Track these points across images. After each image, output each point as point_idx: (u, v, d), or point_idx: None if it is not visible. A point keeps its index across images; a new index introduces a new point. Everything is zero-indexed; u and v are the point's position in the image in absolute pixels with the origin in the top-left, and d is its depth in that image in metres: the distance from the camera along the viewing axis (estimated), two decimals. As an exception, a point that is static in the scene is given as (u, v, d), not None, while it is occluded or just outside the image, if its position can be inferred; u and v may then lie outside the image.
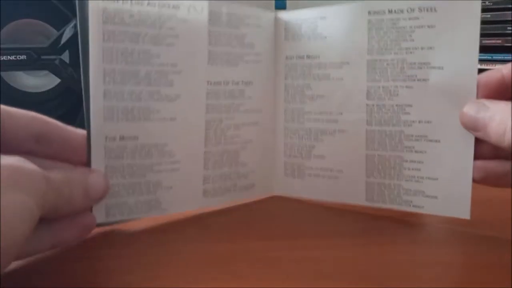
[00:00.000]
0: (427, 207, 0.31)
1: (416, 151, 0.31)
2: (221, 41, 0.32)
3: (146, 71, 0.29)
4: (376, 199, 0.33)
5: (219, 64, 0.32)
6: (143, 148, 0.30)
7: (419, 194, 0.31)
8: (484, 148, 0.29)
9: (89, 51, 0.27)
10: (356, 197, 0.34)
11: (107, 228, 0.30)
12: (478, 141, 0.29)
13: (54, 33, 1.19)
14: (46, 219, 0.23)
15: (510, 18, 1.30)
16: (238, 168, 0.35)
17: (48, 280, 0.24)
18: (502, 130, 0.25)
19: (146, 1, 0.28)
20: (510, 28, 1.31)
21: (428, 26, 0.29)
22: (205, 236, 0.30)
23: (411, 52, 0.30)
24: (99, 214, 0.29)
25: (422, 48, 0.30)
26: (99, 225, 0.29)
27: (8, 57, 1.06)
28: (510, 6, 1.28)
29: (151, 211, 0.31)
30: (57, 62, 1.10)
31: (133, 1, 0.28)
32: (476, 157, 0.29)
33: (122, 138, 0.29)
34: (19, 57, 1.07)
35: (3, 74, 1.17)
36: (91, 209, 0.28)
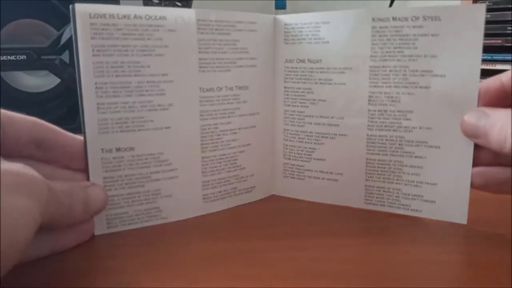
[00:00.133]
0: (425, 211, 0.32)
1: (416, 157, 0.31)
2: (212, 48, 0.32)
3: (138, 82, 0.29)
4: (375, 202, 0.33)
5: (211, 70, 0.32)
6: (140, 158, 0.30)
7: (417, 198, 0.32)
8: (485, 155, 0.29)
9: (80, 66, 0.27)
10: (355, 200, 0.34)
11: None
12: (479, 148, 0.29)
13: (54, 33, 1.19)
14: (46, 227, 0.23)
15: (510, 18, 1.30)
16: (237, 172, 0.35)
17: (48, 280, 0.24)
18: (503, 137, 0.25)
19: (133, 14, 0.28)
20: (510, 28, 1.31)
21: (432, 35, 0.30)
22: (205, 236, 0.30)
23: (414, 60, 0.30)
24: (100, 225, 0.29)
25: (425, 56, 0.30)
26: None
27: (8, 57, 1.07)
28: (510, 6, 1.28)
29: (152, 220, 0.31)
30: (57, 62, 1.10)
31: (120, 15, 0.28)
32: (477, 163, 0.29)
33: (118, 149, 0.29)
34: (19, 57, 1.07)
35: (3, 74, 1.18)
36: None
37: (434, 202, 0.31)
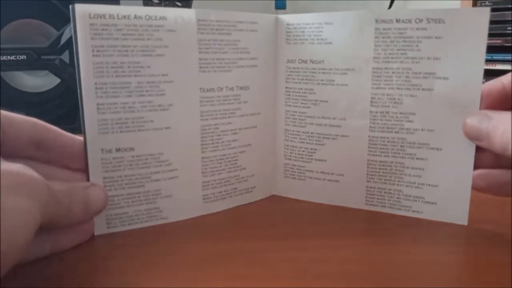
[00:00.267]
0: (426, 213, 0.32)
1: (417, 158, 0.31)
2: (212, 48, 0.31)
3: (138, 83, 0.29)
4: (376, 204, 0.33)
5: (211, 71, 0.32)
6: (140, 158, 0.30)
7: (418, 200, 0.32)
8: (487, 157, 0.29)
9: (80, 67, 0.27)
10: (356, 201, 0.34)
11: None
12: (480, 150, 0.29)
13: (54, 33, 1.19)
14: (46, 227, 0.23)
15: (510, 18, 1.30)
16: (237, 172, 0.35)
17: (48, 280, 0.24)
18: (505, 139, 0.25)
19: (133, 14, 0.28)
20: (510, 28, 1.31)
21: (435, 37, 0.30)
22: (205, 236, 0.30)
23: (417, 62, 0.30)
24: (100, 225, 0.29)
25: (428, 58, 0.30)
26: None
27: (8, 57, 1.07)
28: (510, 6, 1.28)
29: (152, 220, 0.31)
30: (57, 62, 1.10)
31: (120, 15, 0.28)
32: (479, 166, 0.29)
33: (118, 149, 0.29)
34: (19, 57, 1.07)
35: (3, 74, 1.18)
36: None
37: (435, 203, 0.31)
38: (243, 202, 0.35)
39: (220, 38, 0.32)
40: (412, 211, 0.32)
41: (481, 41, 0.28)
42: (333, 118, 0.34)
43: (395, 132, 0.32)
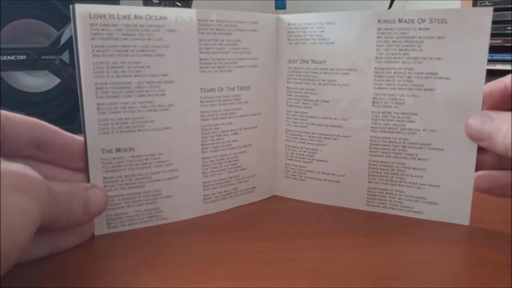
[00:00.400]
0: (427, 213, 0.32)
1: (419, 159, 0.31)
2: (212, 48, 0.31)
3: (138, 83, 0.29)
4: (377, 204, 0.33)
5: (212, 71, 0.32)
6: (140, 158, 0.30)
7: (420, 201, 0.32)
8: (489, 159, 0.29)
9: (80, 67, 0.27)
10: (357, 202, 0.34)
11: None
12: (483, 152, 0.29)
13: (54, 33, 1.19)
14: (45, 227, 0.23)
15: (510, 18, 1.30)
16: (238, 173, 0.35)
17: (48, 280, 0.24)
18: (508, 140, 0.25)
19: (133, 14, 0.28)
20: (510, 28, 1.31)
21: (438, 37, 0.30)
22: (205, 236, 0.30)
23: (419, 62, 0.30)
24: (100, 225, 0.29)
25: (430, 58, 0.30)
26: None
27: (8, 57, 1.07)
28: (510, 6, 1.28)
29: (152, 220, 0.31)
30: (57, 62, 1.11)
31: (120, 15, 0.28)
32: (481, 167, 0.29)
33: (118, 150, 0.29)
34: (19, 57, 1.07)
35: (3, 74, 1.17)
36: None
37: (437, 204, 0.31)
38: (244, 203, 0.35)
39: (220, 38, 0.32)
40: (414, 211, 0.32)
41: (484, 41, 0.28)
42: (335, 119, 0.34)
43: (397, 132, 0.32)
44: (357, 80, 0.32)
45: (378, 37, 0.31)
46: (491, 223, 0.30)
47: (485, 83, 0.29)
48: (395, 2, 1.66)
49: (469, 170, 0.29)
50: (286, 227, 0.31)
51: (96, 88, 0.28)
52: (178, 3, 1.30)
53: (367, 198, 0.33)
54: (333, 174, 0.34)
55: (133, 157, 0.30)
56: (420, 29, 0.30)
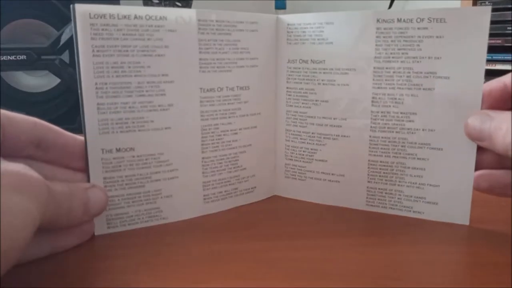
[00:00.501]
0: (427, 213, 0.32)
1: (418, 158, 0.31)
2: (212, 48, 0.31)
3: (138, 83, 0.29)
4: (377, 204, 0.33)
5: (211, 71, 0.32)
6: (140, 158, 0.30)
7: (419, 200, 0.32)
8: (489, 158, 0.29)
9: (80, 67, 0.27)
10: (357, 202, 0.34)
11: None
12: (482, 151, 0.29)
13: (54, 33, 1.19)
14: (45, 228, 0.23)
15: (510, 18, 1.30)
16: (238, 173, 0.35)
17: (48, 280, 0.24)
18: (508, 140, 0.25)
19: (133, 14, 0.28)
20: (510, 28, 1.31)
21: (437, 36, 0.30)
22: (205, 236, 0.30)
23: (418, 61, 0.30)
24: (100, 225, 0.29)
25: (429, 58, 0.30)
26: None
27: (8, 57, 1.07)
28: (510, 6, 1.28)
29: (152, 220, 0.31)
30: (57, 62, 1.11)
31: (120, 15, 0.28)
32: (481, 167, 0.29)
33: (118, 150, 0.29)
34: (19, 57, 1.07)
35: (3, 74, 1.17)
36: None
37: (437, 204, 0.31)
38: (244, 203, 0.35)
39: (220, 38, 0.32)
40: (413, 211, 0.32)
41: (483, 40, 0.28)
42: (334, 118, 0.34)
43: (396, 132, 0.32)
44: (356, 79, 0.32)
45: (377, 37, 0.31)
46: (491, 223, 0.30)
47: (485, 83, 0.29)
48: (395, 2, 1.66)
49: (468, 169, 0.29)
50: (286, 227, 0.31)
51: (96, 88, 0.28)
52: (178, 3, 1.30)
53: (367, 198, 0.33)
54: (332, 174, 0.34)
55: (133, 157, 0.30)
56: (419, 28, 0.30)
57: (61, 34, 1.09)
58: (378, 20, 0.31)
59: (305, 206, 0.35)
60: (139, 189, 0.30)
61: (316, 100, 0.34)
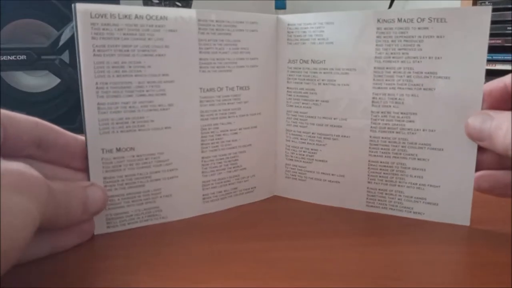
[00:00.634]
0: (427, 214, 0.32)
1: (419, 159, 0.31)
2: (212, 48, 0.32)
3: (138, 82, 0.29)
4: (377, 205, 0.33)
5: (211, 71, 0.32)
6: (140, 158, 0.30)
7: (420, 201, 0.32)
8: (489, 158, 0.29)
9: (81, 66, 0.27)
10: (357, 202, 0.34)
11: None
12: (483, 152, 0.29)
13: (54, 33, 1.19)
14: (45, 227, 0.23)
15: (510, 18, 1.30)
16: (237, 172, 0.35)
17: (48, 280, 0.24)
18: (508, 140, 0.25)
19: (134, 14, 0.28)
20: (510, 28, 1.31)
21: (437, 36, 0.30)
22: (205, 236, 0.30)
23: (418, 61, 0.30)
24: (100, 225, 0.29)
25: (429, 58, 0.30)
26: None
27: (8, 57, 1.07)
28: (510, 6, 1.28)
29: (152, 219, 0.31)
30: (57, 62, 1.11)
31: (121, 15, 0.28)
32: (482, 167, 0.29)
33: (118, 149, 0.29)
34: (19, 57, 1.07)
35: (3, 74, 1.17)
36: None
37: (437, 204, 0.31)
38: (244, 202, 0.35)
39: (220, 38, 0.32)
40: (414, 212, 0.32)
41: (483, 40, 0.28)
42: (334, 118, 0.34)
43: (396, 132, 0.32)
44: (356, 80, 0.32)
45: (378, 37, 0.31)
46: (491, 223, 0.30)
47: (485, 83, 0.29)
48: (395, 2, 1.66)
49: (469, 170, 0.29)
50: (286, 227, 0.31)
51: (97, 87, 0.28)
52: (178, 3, 1.30)
53: (367, 198, 0.33)
54: (332, 175, 0.34)
55: (133, 156, 0.30)
56: (419, 28, 0.30)
57: (61, 34, 1.09)
58: (378, 20, 0.31)
59: (305, 207, 0.35)
60: (139, 188, 0.30)
61: (316, 100, 0.34)
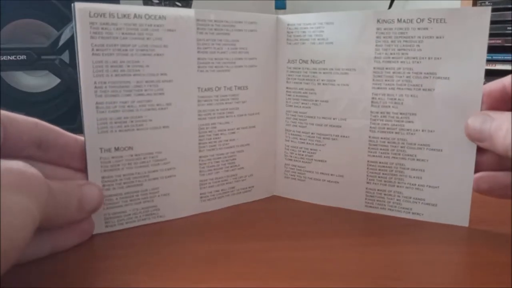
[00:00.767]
0: (426, 215, 0.32)
1: (418, 159, 0.31)
2: (210, 48, 0.32)
3: (137, 82, 0.29)
4: (376, 205, 0.33)
5: (210, 70, 0.32)
6: (138, 157, 0.30)
7: (419, 202, 0.32)
8: (489, 160, 0.29)
9: (80, 65, 0.27)
10: (356, 203, 0.34)
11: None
12: (482, 153, 0.29)
13: (54, 33, 1.19)
14: (42, 226, 0.23)
15: (510, 18, 1.30)
16: (235, 172, 0.35)
17: (48, 280, 0.24)
18: (508, 140, 0.25)
19: (133, 13, 0.28)
20: (510, 28, 1.31)
21: (437, 37, 0.30)
22: (205, 236, 0.30)
23: (418, 62, 0.30)
24: (98, 224, 0.29)
25: (429, 58, 0.30)
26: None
27: (8, 57, 1.07)
28: (510, 6, 1.28)
29: (150, 218, 0.31)
30: (57, 62, 1.11)
31: (120, 14, 0.28)
32: (481, 168, 0.29)
33: (117, 149, 0.29)
34: (19, 57, 1.07)
35: (3, 74, 1.17)
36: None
37: (436, 205, 0.31)
38: (241, 202, 0.35)
39: (218, 38, 0.32)
40: (413, 213, 0.32)
41: (482, 40, 0.28)
42: (334, 119, 0.34)
43: (396, 132, 0.32)
44: (356, 80, 0.32)
45: (377, 37, 0.31)
46: (491, 223, 0.30)
47: (485, 83, 0.29)
48: (395, 2, 1.66)
49: (468, 171, 0.29)
50: (286, 227, 0.31)
51: (95, 87, 0.28)
52: (178, 3, 1.30)
53: (366, 199, 0.33)
54: (331, 175, 0.34)
55: (132, 156, 0.30)
56: (419, 28, 0.30)
57: (61, 34, 1.09)
58: (378, 20, 0.31)
59: (304, 207, 0.35)
60: (137, 187, 0.30)
61: (316, 100, 0.34)
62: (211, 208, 0.34)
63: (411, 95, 0.31)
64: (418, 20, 0.30)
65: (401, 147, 0.32)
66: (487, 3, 1.35)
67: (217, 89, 0.32)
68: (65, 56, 1.11)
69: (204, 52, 0.31)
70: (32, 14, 1.14)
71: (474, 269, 0.25)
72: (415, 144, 0.31)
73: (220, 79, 0.32)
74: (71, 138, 0.28)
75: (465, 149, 0.29)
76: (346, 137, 0.33)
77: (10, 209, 0.19)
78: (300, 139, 0.35)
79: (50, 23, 1.15)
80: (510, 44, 1.31)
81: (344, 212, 0.33)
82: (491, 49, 1.33)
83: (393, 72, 0.31)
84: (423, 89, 0.30)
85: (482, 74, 0.29)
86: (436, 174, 0.31)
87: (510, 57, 1.32)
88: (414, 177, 0.32)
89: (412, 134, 0.31)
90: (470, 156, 0.29)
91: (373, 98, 0.32)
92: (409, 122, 0.31)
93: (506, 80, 0.28)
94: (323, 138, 0.34)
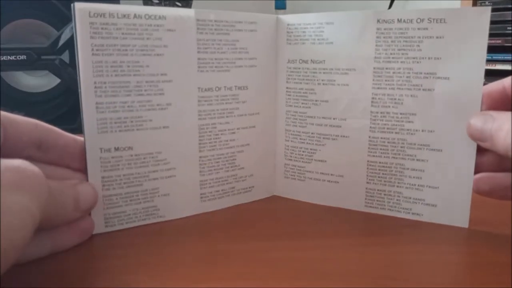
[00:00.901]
0: (426, 215, 0.31)
1: (418, 160, 0.31)
2: (210, 48, 0.32)
3: (137, 82, 0.29)
4: (376, 206, 0.33)
5: (210, 70, 0.32)
6: (138, 157, 0.30)
7: (419, 202, 0.32)
8: (489, 161, 0.29)
9: (80, 65, 0.27)
10: (356, 203, 0.34)
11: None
12: (483, 154, 0.29)
13: (54, 33, 1.19)
14: (42, 226, 0.23)
15: (510, 18, 1.30)
16: (235, 172, 0.35)
17: (48, 280, 0.24)
18: (509, 140, 0.25)
19: (133, 13, 0.28)
20: (510, 28, 1.31)
21: (437, 37, 0.30)
22: (205, 236, 0.30)
23: (418, 62, 0.30)
24: (98, 224, 0.29)
25: (429, 58, 0.30)
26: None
27: (8, 57, 1.07)
28: (510, 6, 1.28)
29: (149, 218, 0.31)
30: (57, 62, 1.11)
31: (120, 14, 0.28)
32: (482, 169, 0.29)
33: (117, 149, 0.29)
34: (19, 57, 1.07)
35: (3, 74, 1.17)
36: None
37: (436, 205, 0.31)
38: (242, 202, 0.35)
39: (218, 38, 0.32)
40: (412, 213, 0.32)
41: (482, 40, 0.28)
42: (334, 118, 0.34)
43: (396, 132, 0.32)
44: (356, 80, 0.32)
45: (377, 37, 0.31)
46: (491, 223, 0.30)
47: (485, 83, 0.29)
48: (395, 2, 1.66)
49: (468, 171, 0.29)
50: (286, 227, 0.31)
51: (95, 87, 0.28)
52: (178, 3, 1.30)
53: (366, 199, 0.33)
54: (331, 175, 0.34)
55: (132, 156, 0.30)
56: (419, 29, 0.30)
57: (61, 34, 1.09)
58: (378, 21, 0.31)
59: (304, 207, 0.35)
60: (137, 187, 0.30)
61: (316, 100, 0.34)
62: (211, 208, 0.34)
63: (411, 95, 0.31)
64: (418, 20, 0.30)
65: (401, 147, 0.32)
66: (487, 3, 1.35)
67: (217, 89, 0.32)
68: (65, 56, 1.11)
69: (204, 52, 0.31)
70: (32, 14, 1.14)
71: (474, 269, 0.25)
72: (415, 144, 0.31)
73: (220, 79, 0.32)
74: (70, 139, 0.28)
75: (465, 149, 0.29)
76: (346, 137, 0.33)
77: (10, 209, 0.19)
78: (300, 139, 0.35)
79: (50, 23, 1.15)
80: (510, 44, 1.31)
81: (344, 212, 0.33)
82: (491, 49, 1.33)
83: (393, 72, 0.31)
84: (423, 89, 0.30)
85: (482, 74, 0.29)
86: (436, 174, 0.31)
87: (510, 57, 1.32)
88: (414, 177, 0.32)
89: (412, 134, 0.31)
90: (470, 157, 0.29)
91: (373, 98, 0.32)
92: (409, 122, 0.31)
93: (506, 82, 0.28)
94: (323, 138, 0.34)
